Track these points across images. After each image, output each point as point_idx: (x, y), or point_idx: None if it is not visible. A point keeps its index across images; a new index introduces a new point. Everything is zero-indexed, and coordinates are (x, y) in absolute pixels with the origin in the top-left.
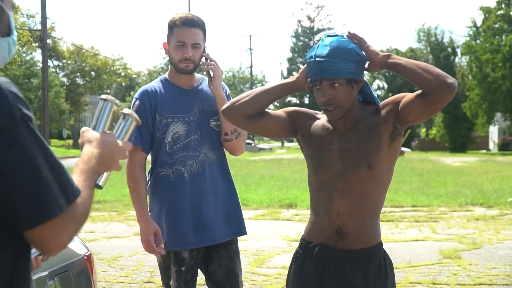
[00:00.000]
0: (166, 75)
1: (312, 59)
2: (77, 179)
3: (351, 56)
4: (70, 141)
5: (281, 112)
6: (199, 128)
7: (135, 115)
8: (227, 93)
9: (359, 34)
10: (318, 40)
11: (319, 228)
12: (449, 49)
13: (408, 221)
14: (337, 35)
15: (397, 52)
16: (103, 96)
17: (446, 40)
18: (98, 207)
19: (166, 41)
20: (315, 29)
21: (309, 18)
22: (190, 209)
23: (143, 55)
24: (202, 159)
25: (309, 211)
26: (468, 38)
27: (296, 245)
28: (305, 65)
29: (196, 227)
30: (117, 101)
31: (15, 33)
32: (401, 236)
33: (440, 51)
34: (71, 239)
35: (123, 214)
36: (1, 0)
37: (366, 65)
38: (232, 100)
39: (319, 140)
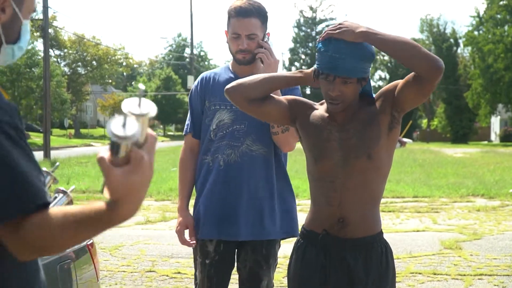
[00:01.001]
0: (230, 62)
1: (327, 53)
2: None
3: (367, 55)
4: (72, 131)
5: (282, 98)
6: (246, 118)
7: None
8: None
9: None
10: (323, 35)
11: (320, 217)
12: (452, 40)
13: (409, 211)
14: None
15: None
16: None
17: (448, 31)
18: (100, 196)
19: (226, 29)
20: (317, 19)
21: (311, 8)
22: (219, 200)
23: (145, 45)
24: (243, 150)
25: (310, 201)
26: (470, 29)
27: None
28: (314, 67)
29: (221, 219)
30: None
31: (27, 39)
32: (402, 227)
33: (442, 42)
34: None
35: None
36: (17, 6)
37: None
38: (239, 81)
39: (319, 130)
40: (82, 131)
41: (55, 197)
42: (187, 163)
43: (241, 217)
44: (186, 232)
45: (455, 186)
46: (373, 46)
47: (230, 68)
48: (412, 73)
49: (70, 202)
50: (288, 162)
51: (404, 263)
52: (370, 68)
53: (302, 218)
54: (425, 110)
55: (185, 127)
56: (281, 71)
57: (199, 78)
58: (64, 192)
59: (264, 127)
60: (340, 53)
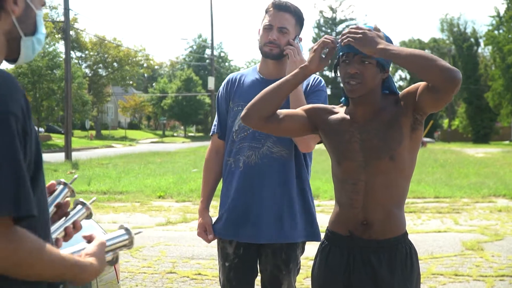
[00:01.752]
0: (258, 64)
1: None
2: (58, 251)
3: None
4: (93, 132)
5: (300, 111)
6: None
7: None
8: (315, 87)
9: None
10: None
11: (344, 219)
12: (472, 39)
13: (431, 212)
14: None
15: (420, 42)
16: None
17: (469, 30)
18: (121, 197)
19: (260, 27)
20: (337, 20)
21: (331, 8)
22: (238, 201)
23: (166, 46)
24: (264, 152)
25: (331, 202)
26: (490, 28)
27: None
28: (313, 53)
29: (239, 220)
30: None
31: (43, 31)
32: (424, 227)
33: (463, 42)
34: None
35: (145, 205)
36: None
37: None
38: (248, 105)
39: (340, 133)
40: (103, 132)
41: (74, 208)
42: (211, 164)
43: (260, 219)
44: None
45: (477, 187)
46: (387, 36)
47: (258, 69)
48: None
49: (90, 215)
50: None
51: (425, 264)
52: (389, 64)
53: (323, 219)
54: (446, 110)
55: (212, 127)
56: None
57: (226, 79)
58: (83, 204)
59: None
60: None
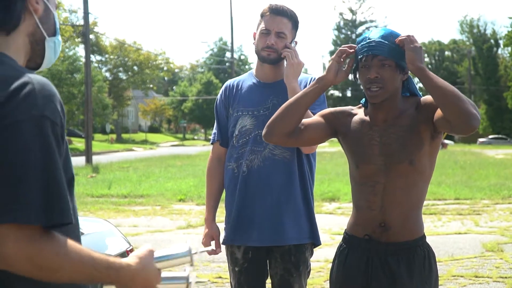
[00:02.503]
0: (254, 68)
1: (365, 41)
2: (92, 252)
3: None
4: (114, 136)
5: (318, 118)
6: None
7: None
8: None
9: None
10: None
11: (362, 222)
12: (492, 41)
13: (451, 214)
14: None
15: (440, 44)
16: (192, 249)
17: (488, 31)
18: (141, 201)
19: (255, 31)
20: (357, 22)
21: (351, 10)
22: (242, 205)
23: (186, 49)
24: (266, 155)
25: (351, 204)
26: (510, 29)
27: (338, 238)
28: (331, 62)
29: (244, 224)
30: (194, 265)
31: (59, 35)
32: (444, 229)
33: (482, 43)
34: (25, 263)
35: (166, 208)
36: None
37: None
38: (268, 124)
39: (360, 137)
40: (124, 136)
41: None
42: (213, 172)
43: (265, 222)
44: (213, 243)
45: (497, 188)
46: None
47: (254, 74)
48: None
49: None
50: (329, 165)
51: (445, 266)
52: None
53: (344, 221)
54: None
55: (212, 135)
56: (300, 90)
57: (223, 87)
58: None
59: None
60: (376, 37)
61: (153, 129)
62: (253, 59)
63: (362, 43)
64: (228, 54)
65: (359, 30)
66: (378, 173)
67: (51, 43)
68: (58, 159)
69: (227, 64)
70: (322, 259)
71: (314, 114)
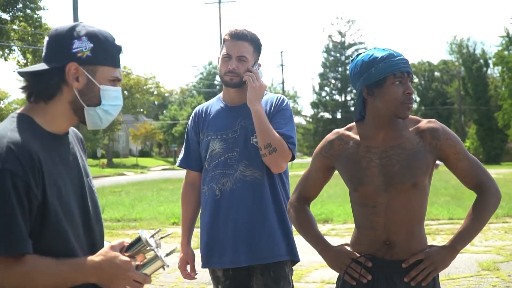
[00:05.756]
0: (221, 92)
1: (395, 58)
2: (58, 260)
3: None
4: (104, 160)
5: (315, 174)
6: (237, 146)
7: (164, 260)
8: (279, 107)
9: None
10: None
11: (366, 241)
12: (481, 61)
13: (445, 233)
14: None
15: (429, 64)
16: (143, 235)
17: (478, 51)
18: (135, 224)
19: (219, 56)
20: (346, 44)
21: (340, 33)
22: (216, 228)
23: (176, 73)
24: (237, 177)
25: (345, 226)
26: (500, 49)
27: None
28: (340, 272)
29: (220, 246)
30: (151, 245)
31: (113, 102)
32: None
33: (472, 63)
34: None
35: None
36: (90, 74)
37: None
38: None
39: (357, 161)
40: (115, 160)
41: (153, 259)
42: (186, 197)
43: (238, 243)
44: (188, 266)
45: None
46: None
47: (221, 98)
48: (475, 188)
49: (162, 265)
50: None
51: (442, 285)
52: None
53: (338, 242)
54: (457, 132)
55: (178, 161)
56: (310, 230)
57: (193, 112)
58: (157, 257)
59: (256, 151)
60: (398, 54)
61: (143, 153)
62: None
63: (392, 59)
64: (218, 78)
65: (348, 52)
66: (379, 193)
67: (92, 112)
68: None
69: (217, 87)
70: (318, 280)
71: (281, 133)
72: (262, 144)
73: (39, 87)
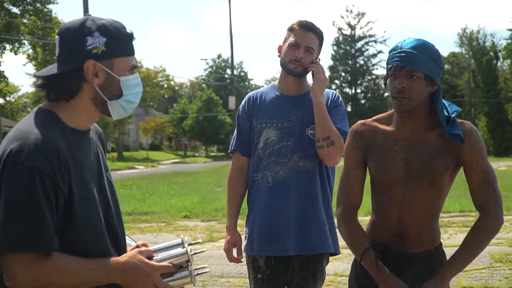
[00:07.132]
0: (276, 81)
1: (396, 50)
2: (86, 261)
3: (435, 56)
4: (115, 154)
5: (354, 163)
6: (293, 136)
7: (194, 279)
8: (335, 102)
9: None
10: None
11: (379, 230)
12: (491, 53)
13: (457, 226)
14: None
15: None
16: (185, 240)
17: (488, 44)
18: (146, 218)
19: (281, 44)
20: (356, 37)
21: (350, 25)
22: (268, 216)
23: (186, 67)
24: (291, 166)
25: (367, 218)
26: (509, 41)
27: (346, 252)
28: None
29: (271, 235)
30: (190, 255)
31: (133, 90)
32: (451, 242)
33: (482, 55)
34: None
35: (171, 225)
36: (109, 68)
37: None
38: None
39: (384, 153)
40: (125, 154)
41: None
42: (234, 182)
43: (288, 232)
44: (234, 250)
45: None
46: (437, 49)
47: (276, 84)
48: (479, 208)
49: (192, 282)
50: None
51: (455, 277)
52: (440, 76)
53: None
54: None
55: (231, 144)
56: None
57: (246, 98)
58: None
59: (309, 143)
60: (408, 47)
61: (154, 147)
62: (253, 75)
63: (393, 52)
64: (228, 71)
65: (358, 45)
66: (398, 186)
67: (115, 104)
68: (42, 203)
69: (227, 80)
70: (331, 273)
71: (337, 128)
72: (321, 136)
73: (58, 88)
